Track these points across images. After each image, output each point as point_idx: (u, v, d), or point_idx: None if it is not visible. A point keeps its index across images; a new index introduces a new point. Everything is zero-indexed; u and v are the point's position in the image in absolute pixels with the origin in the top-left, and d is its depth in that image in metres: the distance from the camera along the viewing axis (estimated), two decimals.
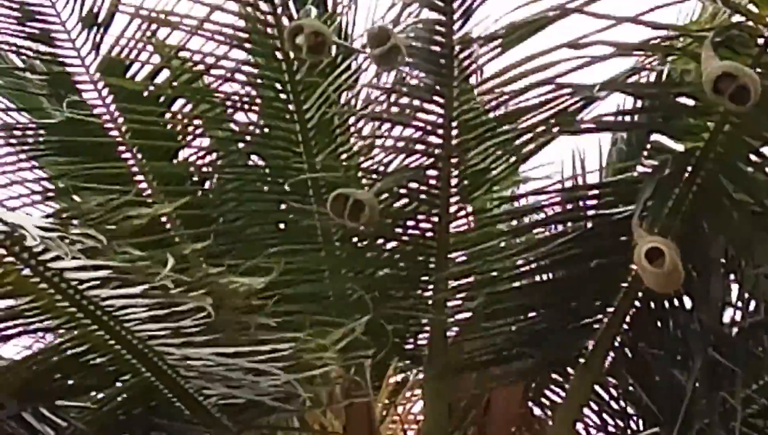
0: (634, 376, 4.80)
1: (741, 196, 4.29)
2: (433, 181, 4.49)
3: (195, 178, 4.99)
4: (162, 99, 4.91)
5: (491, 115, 4.41)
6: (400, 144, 4.56)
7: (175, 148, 4.93)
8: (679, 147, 4.36)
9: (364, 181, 4.62)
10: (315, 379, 4.04)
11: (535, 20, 4.10)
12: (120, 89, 4.92)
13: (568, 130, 4.37)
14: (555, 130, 4.33)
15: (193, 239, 4.52)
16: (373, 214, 4.02)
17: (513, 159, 4.50)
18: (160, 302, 3.63)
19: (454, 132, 4.43)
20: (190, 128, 4.91)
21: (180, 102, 4.92)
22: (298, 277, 4.63)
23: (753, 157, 4.22)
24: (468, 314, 4.79)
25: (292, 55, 4.51)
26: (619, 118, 4.63)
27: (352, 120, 4.77)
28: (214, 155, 4.93)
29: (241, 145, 4.86)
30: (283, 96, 4.66)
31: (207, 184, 5.01)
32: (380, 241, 4.73)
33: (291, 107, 4.66)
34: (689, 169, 4.25)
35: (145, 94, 4.94)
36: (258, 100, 4.75)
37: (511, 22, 4.17)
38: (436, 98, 4.40)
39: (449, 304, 4.73)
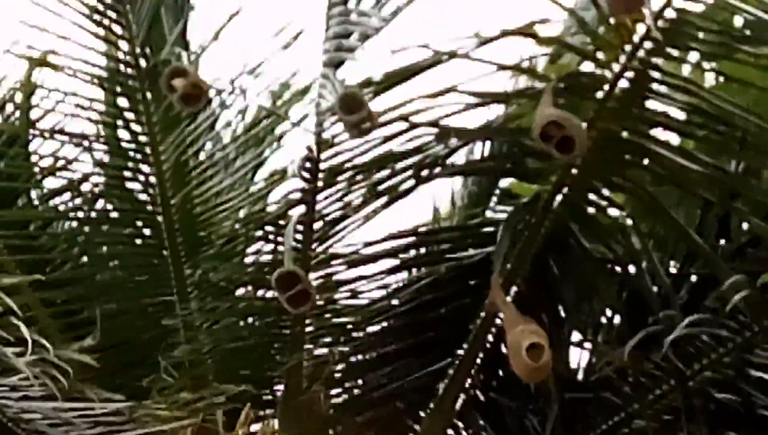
0: (486, 419, 4.83)
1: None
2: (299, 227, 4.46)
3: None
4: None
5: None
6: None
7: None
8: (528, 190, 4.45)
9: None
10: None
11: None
12: None
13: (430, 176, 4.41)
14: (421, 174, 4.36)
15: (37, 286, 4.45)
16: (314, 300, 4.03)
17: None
18: None
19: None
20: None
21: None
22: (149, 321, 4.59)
23: (597, 200, 4.32)
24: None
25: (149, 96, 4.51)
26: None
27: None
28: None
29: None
30: (140, 138, 4.65)
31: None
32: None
33: (147, 149, 4.65)
34: (537, 212, 4.34)
35: None
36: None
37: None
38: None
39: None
